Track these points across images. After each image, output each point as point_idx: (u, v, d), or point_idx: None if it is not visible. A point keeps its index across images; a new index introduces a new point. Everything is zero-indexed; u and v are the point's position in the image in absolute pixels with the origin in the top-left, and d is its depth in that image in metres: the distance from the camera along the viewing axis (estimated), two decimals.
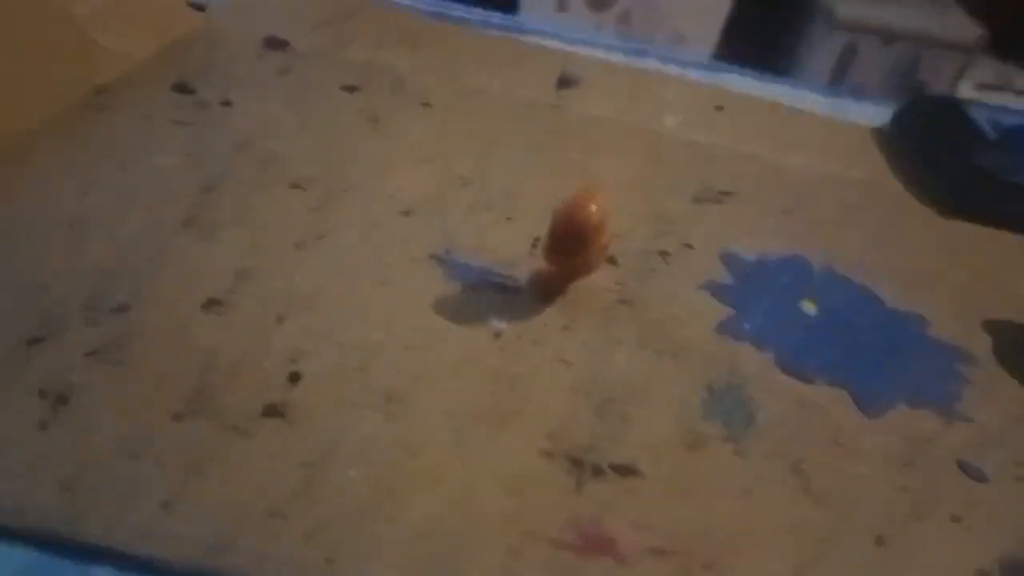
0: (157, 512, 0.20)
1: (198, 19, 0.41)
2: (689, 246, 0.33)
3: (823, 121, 0.46)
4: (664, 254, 0.32)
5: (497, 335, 0.27)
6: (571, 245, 0.27)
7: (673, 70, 0.48)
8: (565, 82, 0.43)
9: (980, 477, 0.25)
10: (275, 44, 0.41)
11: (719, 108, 0.45)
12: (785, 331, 0.29)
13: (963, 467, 0.25)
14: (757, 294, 0.31)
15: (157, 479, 0.21)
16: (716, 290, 0.31)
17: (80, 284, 0.26)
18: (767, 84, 0.49)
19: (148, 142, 0.32)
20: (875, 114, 0.48)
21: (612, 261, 0.31)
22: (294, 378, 0.24)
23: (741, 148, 0.41)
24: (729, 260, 0.33)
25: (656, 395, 0.26)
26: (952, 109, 0.43)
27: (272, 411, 0.23)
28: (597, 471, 0.23)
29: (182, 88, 0.36)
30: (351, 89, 0.38)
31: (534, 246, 0.31)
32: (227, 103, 0.36)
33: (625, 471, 0.23)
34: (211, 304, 0.26)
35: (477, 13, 0.49)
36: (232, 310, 0.26)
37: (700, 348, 0.28)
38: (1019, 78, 1.46)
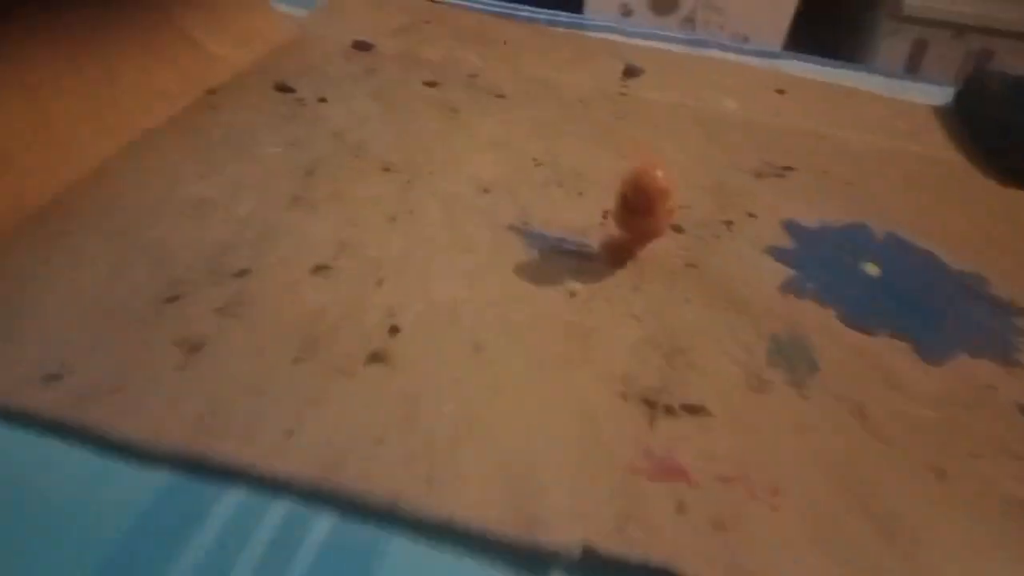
0: (280, 438, 0.23)
1: (293, 28, 0.45)
2: (752, 215, 0.35)
3: (884, 101, 0.47)
4: (728, 223, 0.34)
5: (572, 294, 0.29)
6: (640, 209, 0.29)
7: (734, 58, 0.50)
8: (630, 72, 0.46)
9: None
10: (362, 47, 0.44)
11: (780, 91, 0.46)
12: (847, 290, 0.31)
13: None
14: (820, 257, 0.32)
15: (279, 412, 0.24)
16: (779, 254, 0.32)
17: (204, 253, 0.29)
18: (828, 69, 0.50)
19: (256, 134, 0.36)
20: (938, 94, 0.48)
21: (678, 229, 0.33)
22: (393, 331, 0.27)
23: (802, 127, 0.43)
24: (791, 227, 0.34)
25: (722, 345, 0.28)
26: (1013, 84, 0.43)
27: (375, 357, 0.26)
28: (669, 410, 0.25)
29: (283, 88, 0.40)
30: (431, 84, 0.42)
31: (604, 217, 0.33)
32: (323, 99, 0.39)
33: (695, 410, 0.25)
34: (318, 269, 0.29)
35: (544, 13, 0.52)
36: (336, 274, 0.29)
37: (764, 304, 0.30)
38: None
